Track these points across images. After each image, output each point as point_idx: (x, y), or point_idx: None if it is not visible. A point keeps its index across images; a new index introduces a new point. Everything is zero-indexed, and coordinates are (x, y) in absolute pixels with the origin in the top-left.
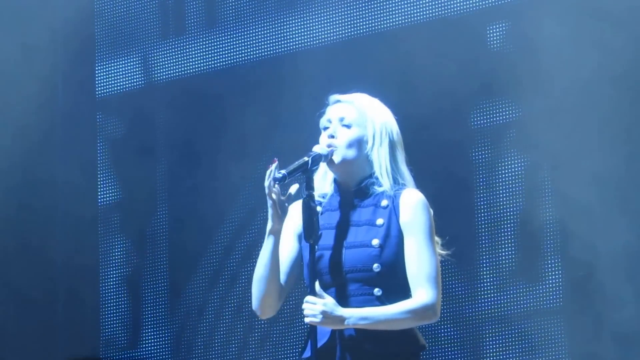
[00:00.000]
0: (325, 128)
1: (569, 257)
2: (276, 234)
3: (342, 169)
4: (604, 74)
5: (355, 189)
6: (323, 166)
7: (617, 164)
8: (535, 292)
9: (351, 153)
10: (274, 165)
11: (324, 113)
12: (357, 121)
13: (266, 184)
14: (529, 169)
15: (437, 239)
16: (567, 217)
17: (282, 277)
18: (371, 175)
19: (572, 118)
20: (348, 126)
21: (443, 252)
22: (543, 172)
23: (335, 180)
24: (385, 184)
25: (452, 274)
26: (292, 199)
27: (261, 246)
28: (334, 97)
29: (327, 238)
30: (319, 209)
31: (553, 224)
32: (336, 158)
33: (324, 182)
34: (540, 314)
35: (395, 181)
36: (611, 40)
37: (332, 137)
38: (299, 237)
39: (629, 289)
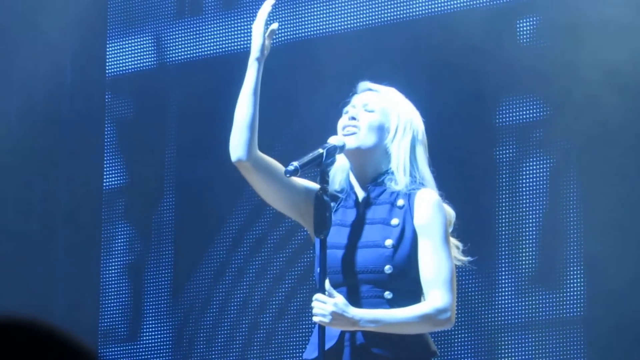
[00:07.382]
0: (347, 112)
1: (593, 264)
2: (259, 62)
3: (358, 157)
4: (635, 72)
5: (371, 185)
6: (340, 159)
7: None
8: (556, 300)
9: (370, 139)
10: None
11: (349, 102)
12: (382, 109)
13: (256, 23)
14: (555, 170)
15: (458, 243)
16: (592, 222)
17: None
18: (387, 171)
19: (602, 118)
20: (371, 111)
21: (464, 259)
22: (569, 174)
23: (350, 175)
24: (400, 180)
25: (469, 278)
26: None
27: (270, 240)
28: (363, 85)
29: (340, 235)
30: (332, 204)
31: (577, 230)
32: (353, 143)
33: (339, 176)
34: (560, 323)
35: (412, 179)
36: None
37: (354, 118)
38: (307, 192)
39: None
